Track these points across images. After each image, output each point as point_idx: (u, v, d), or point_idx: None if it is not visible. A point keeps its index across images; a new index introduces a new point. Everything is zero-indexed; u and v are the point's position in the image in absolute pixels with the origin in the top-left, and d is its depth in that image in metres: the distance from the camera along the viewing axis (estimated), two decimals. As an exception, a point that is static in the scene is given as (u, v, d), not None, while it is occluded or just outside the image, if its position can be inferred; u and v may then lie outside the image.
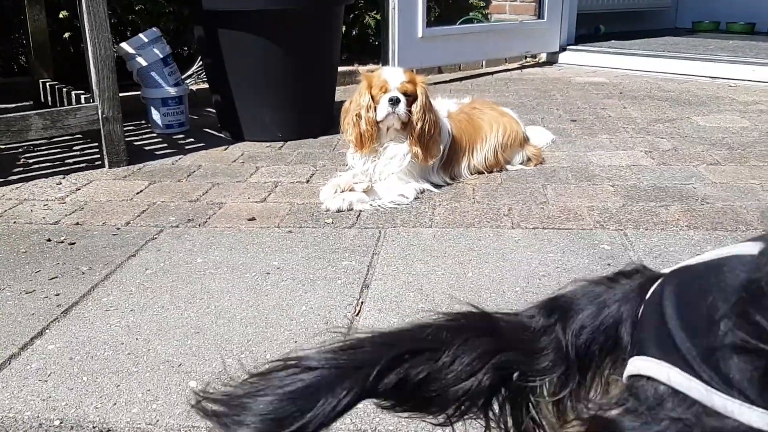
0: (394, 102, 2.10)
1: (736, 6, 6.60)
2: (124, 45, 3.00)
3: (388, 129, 2.17)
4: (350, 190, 2.10)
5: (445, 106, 2.41)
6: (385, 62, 4.04)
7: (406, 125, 2.15)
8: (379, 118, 2.13)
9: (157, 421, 1.10)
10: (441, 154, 2.28)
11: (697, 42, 5.48)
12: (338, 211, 2.04)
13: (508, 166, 2.49)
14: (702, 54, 4.67)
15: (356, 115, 2.15)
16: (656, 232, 1.84)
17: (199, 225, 1.96)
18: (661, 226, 1.89)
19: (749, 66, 4.30)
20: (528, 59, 5.20)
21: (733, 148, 2.69)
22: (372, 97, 2.15)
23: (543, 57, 5.19)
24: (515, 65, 5.06)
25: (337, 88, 3.26)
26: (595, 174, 2.38)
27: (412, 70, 2.30)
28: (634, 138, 2.88)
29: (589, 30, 5.88)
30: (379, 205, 2.08)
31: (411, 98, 2.14)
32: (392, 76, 2.15)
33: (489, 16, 5.30)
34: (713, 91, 3.93)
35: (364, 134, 2.15)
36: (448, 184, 2.31)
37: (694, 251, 1.71)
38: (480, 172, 2.42)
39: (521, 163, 2.51)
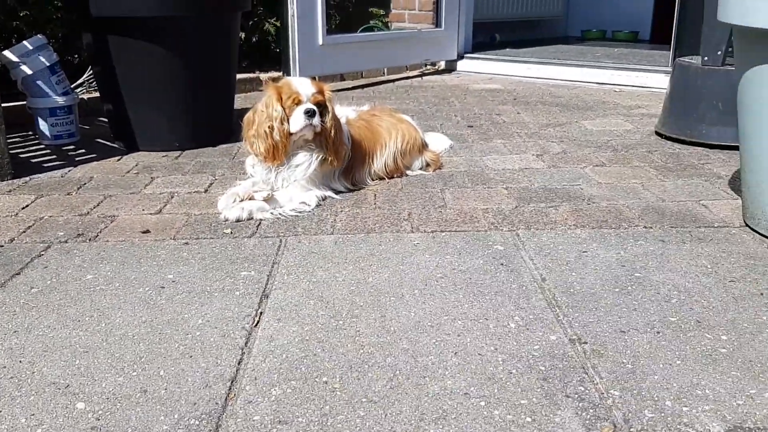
0: (311, 114, 2.09)
1: (621, 16, 7.01)
2: (6, 53, 2.84)
3: (298, 139, 2.16)
4: (250, 199, 2.08)
5: (344, 113, 2.43)
6: (286, 70, 4.02)
7: (316, 134, 2.15)
8: (293, 130, 2.11)
9: (42, 446, 1.05)
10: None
11: (585, 50, 5.77)
12: (237, 220, 2.01)
13: (408, 172, 2.53)
14: (590, 61, 4.92)
15: (269, 127, 2.09)
16: (546, 232, 1.93)
17: (90, 239, 1.88)
18: (551, 225, 1.98)
19: (633, 72, 4.57)
20: (428, 67, 5.31)
21: (617, 150, 2.85)
22: (284, 109, 2.11)
23: (442, 65, 5.31)
24: (416, 73, 5.16)
25: (237, 95, 3.21)
26: (490, 177, 2.46)
27: (315, 78, 2.30)
28: (527, 142, 3.00)
29: (486, 38, 6.07)
30: (280, 214, 2.07)
31: (321, 108, 2.14)
32: (303, 87, 2.13)
33: (389, 25, 5.38)
34: (600, 97, 4.14)
35: (277, 146, 2.11)
36: (350, 190, 2.33)
37: (581, 249, 1.80)
38: (381, 178, 2.45)
39: (421, 169, 2.57)
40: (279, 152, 2.12)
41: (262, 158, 2.15)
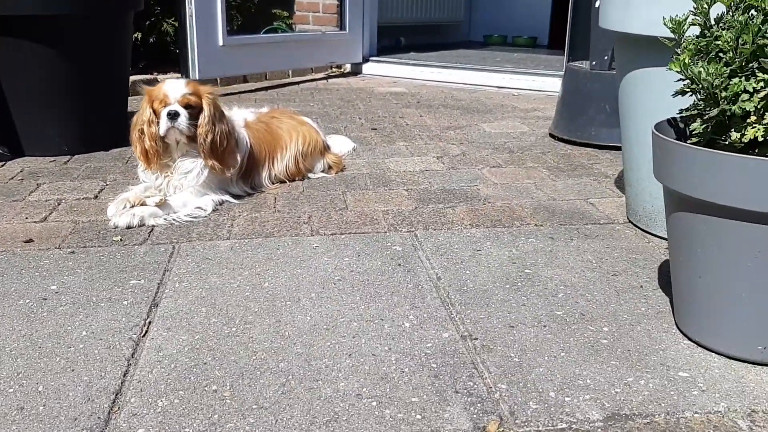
0: (173, 116, 2.03)
1: (521, 21, 7.25)
2: None
3: (177, 143, 2.11)
4: (141, 205, 2.01)
5: (242, 115, 2.39)
6: (185, 71, 3.92)
7: (196, 138, 2.10)
8: (161, 133, 2.06)
9: None
10: (240, 165, 2.25)
11: (487, 54, 5.93)
12: (128, 227, 1.94)
13: (310, 174, 2.52)
14: (490, 66, 5.07)
15: (139, 130, 2.08)
16: (443, 232, 1.97)
17: (-35, 251, 1.76)
18: (448, 225, 2.02)
19: (530, 76, 4.73)
20: (333, 69, 5.31)
21: (513, 151, 2.95)
22: (153, 111, 2.07)
23: (348, 67, 5.33)
24: (321, 75, 5.15)
25: (132, 97, 3.10)
26: (392, 179, 2.49)
27: (196, 81, 2.27)
28: (428, 144, 3.05)
29: (391, 42, 6.14)
30: (174, 219, 2.01)
31: (196, 110, 2.08)
32: (172, 89, 2.08)
33: (293, 27, 5.34)
34: (499, 100, 4.27)
35: (149, 150, 2.08)
36: (249, 194, 2.29)
37: (475, 248, 1.85)
38: (282, 181, 2.43)
39: (323, 171, 2.56)
40: (153, 156, 2.10)
41: (141, 162, 2.14)
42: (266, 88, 4.52)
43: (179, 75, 4.07)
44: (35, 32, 2.53)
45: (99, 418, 1.11)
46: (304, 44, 4.88)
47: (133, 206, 1.99)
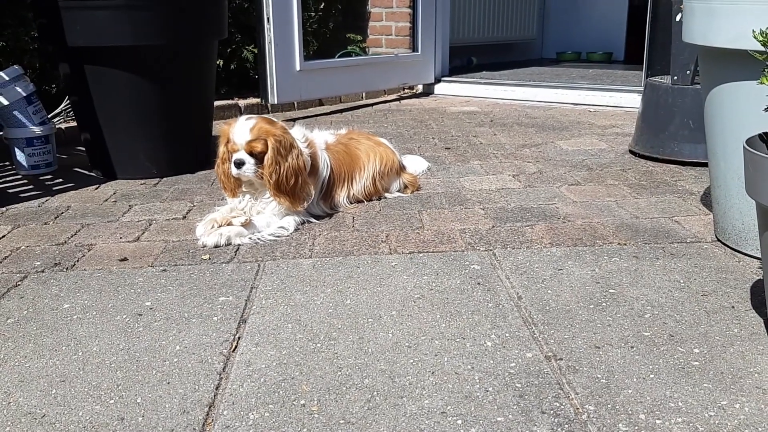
0: (238, 164, 2.11)
1: (595, 37, 7.14)
2: (-19, 84, 2.84)
3: (251, 182, 2.19)
4: (228, 225, 2.08)
5: (322, 137, 2.45)
6: (264, 96, 4.06)
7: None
8: (233, 175, 2.15)
9: (17, 478, 1.04)
10: (321, 186, 2.31)
11: (560, 71, 5.87)
12: (216, 246, 2.01)
13: (386, 194, 2.56)
14: (565, 83, 5.01)
15: (217, 165, 2.22)
16: (522, 251, 1.95)
17: (67, 269, 1.87)
18: (527, 244, 2.00)
19: (607, 92, 4.65)
20: (406, 90, 5.37)
21: (592, 168, 2.90)
22: (227, 149, 2.17)
23: (420, 88, 5.38)
24: (394, 96, 5.21)
25: (215, 122, 3.23)
26: (467, 198, 2.49)
27: (266, 118, 2.20)
28: (503, 163, 3.03)
29: (462, 61, 6.16)
30: (258, 239, 2.08)
31: (262, 154, 2.12)
32: (239, 134, 2.12)
33: (367, 50, 5.44)
34: (575, 117, 4.21)
35: (225, 183, 2.21)
36: (328, 214, 2.34)
37: (556, 267, 1.83)
38: (359, 201, 2.47)
39: (399, 191, 2.59)
40: (229, 188, 2.21)
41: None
42: (341, 111, 4.61)
43: (259, 100, 4.21)
44: (125, 62, 2.68)
45: (194, 429, 1.15)
46: (378, 67, 4.96)
47: (220, 226, 2.06)
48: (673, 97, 2.94)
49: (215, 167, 2.24)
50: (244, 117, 2.18)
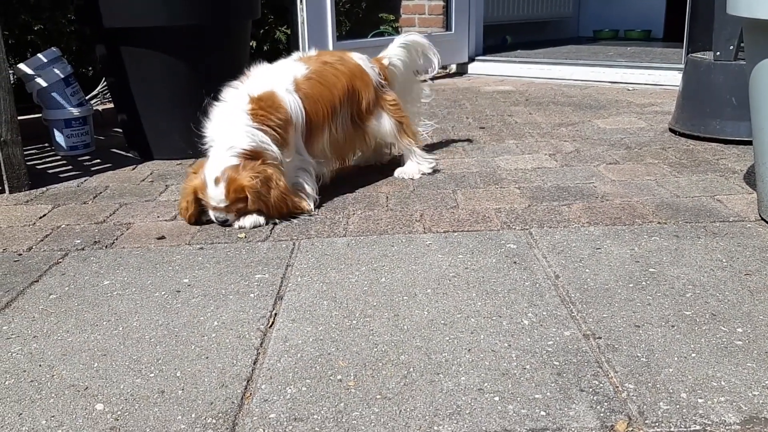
0: (224, 223, 2.03)
1: (633, 14, 6.97)
2: (21, 66, 2.89)
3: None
4: None
5: (287, 77, 2.19)
6: (298, 76, 4.04)
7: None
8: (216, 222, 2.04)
9: (62, 447, 1.07)
10: (302, 135, 2.17)
11: (597, 49, 5.75)
12: (254, 227, 2.02)
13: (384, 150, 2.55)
14: (602, 60, 4.91)
15: (180, 208, 2.09)
16: (559, 230, 1.92)
17: (106, 246, 1.90)
18: (564, 223, 1.97)
19: (646, 70, 4.54)
20: (439, 70, 5.31)
21: (630, 147, 2.84)
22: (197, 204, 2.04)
23: (453, 68, 5.32)
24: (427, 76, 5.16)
25: (248, 103, 3.24)
26: (503, 177, 2.46)
27: (232, 166, 1.98)
28: (539, 142, 2.99)
29: (497, 40, 6.07)
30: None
31: (243, 205, 2.00)
32: (216, 199, 1.98)
33: (399, 30, 5.39)
34: (613, 95, 4.13)
35: (191, 221, 2.06)
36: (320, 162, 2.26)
37: (594, 246, 1.80)
38: (343, 154, 2.41)
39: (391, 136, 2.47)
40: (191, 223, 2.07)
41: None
42: (374, 91, 4.58)
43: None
44: (160, 43, 2.70)
45: (233, 402, 1.16)
46: (411, 46, 4.91)
47: None
48: (716, 74, 2.86)
49: (180, 209, 2.08)
50: (207, 171, 2.00)
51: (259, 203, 2.00)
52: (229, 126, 2.06)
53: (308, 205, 2.14)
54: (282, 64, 2.31)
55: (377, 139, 2.49)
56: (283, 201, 2.04)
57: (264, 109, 2.07)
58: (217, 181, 1.98)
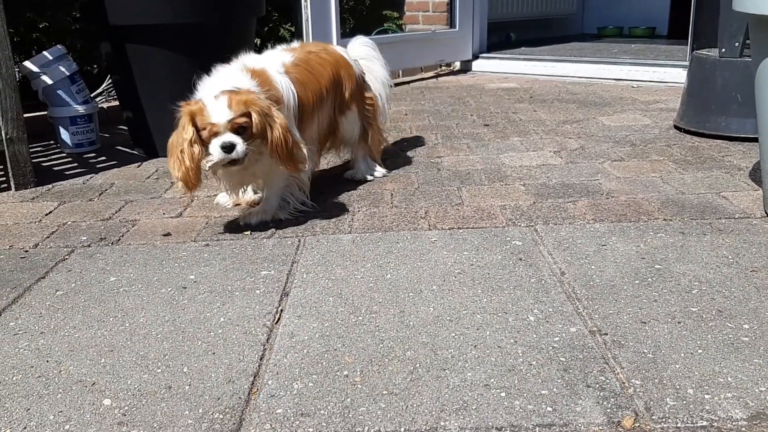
0: (229, 148, 1.80)
1: (638, 12, 6.95)
2: (27, 63, 2.90)
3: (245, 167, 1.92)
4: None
5: (276, 60, 2.11)
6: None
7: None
8: (216, 163, 1.84)
9: (70, 442, 1.07)
10: (295, 117, 2.06)
11: (602, 46, 5.74)
12: (260, 224, 2.03)
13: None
14: (606, 58, 4.90)
15: (177, 150, 1.85)
16: (564, 227, 1.92)
17: (112, 243, 1.91)
18: (569, 220, 1.97)
19: (650, 67, 4.53)
20: (443, 68, 5.31)
21: (635, 144, 2.84)
22: (197, 132, 1.84)
23: (457, 65, 5.32)
24: (431, 74, 5.16)
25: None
26: (507, 174, 2.46)
27: (235, 90, 1.86)
28: (544, 139, 2.99)
29: (501, 38, 6.06)
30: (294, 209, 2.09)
31: (247, 131, 1.83)
32: (218, 114, 1.80)
33: (403, 27, 5.39)
34: (617, 92, 4.12)
35: (189, 174, 1.83)
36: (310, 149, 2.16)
37: (600, 242, 1.80)
38: (324, 143, 2.36)
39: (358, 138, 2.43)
40: (191, 181, 1.85)
41: (180, 187, 1.88)
42: (378, 88, 4.58)
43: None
44: (165, 40, 2.70)
45: (240, 398, 1.17)
46: (414, 44, 4.91)
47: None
48: (721, 71, 2.85)
49: (172, 156, 1.86)
50: (208, 94, 1.86)
51: (264, 125, 1.83)
52: (225, 79, 1.94)
53: (304, 166, 1.99)
54: (268, 53, 2.26)
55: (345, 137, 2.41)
56: (284, 137, 1.86)
57: (259, 84, 1.94)
58: (216, 98, 1.81)
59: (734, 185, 2.24)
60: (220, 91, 1.85)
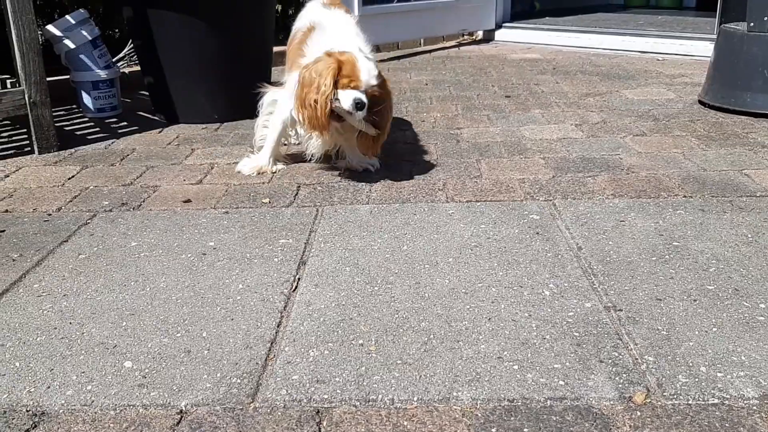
0: (360, 106, 1.91)
1: (666, -18, 6.80)
2: (49, 27, 2.91)
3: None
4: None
5: (354, 43, 2.09)
6: (323, 42, 4.02)
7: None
8: (346, 110, 1.93)
9: (92, 401, 1.11)
10: None
11: (627, 18, 5.63)
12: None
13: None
14: (632, 29, 4.81)
15: (310, 92, 1.93)
16: (583, 201, 1.92)
17: (133, 208, 1.94)
18: (588, 195, 1.96)
19: (677, 40, 4.45)
20: (465, 37, 5.25)
21: (658, 119, 2.80)
22: (341, 83, 1.93)
23: (480, 34, 5.25)
24: (453, 43, 5.11)
25: (273, 68, 3.23)
26: (527, 148, 2.45)
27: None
28: (566, 112, 2.96)
29: (525, 7, 5.97)
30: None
31: (377, 102, 1.97)
32: (367, 74, 1.92)
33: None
34: (642, 65, 4.06)
35: (318, 116, 1.93)
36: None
37: (618, 218, 1.79)
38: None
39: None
40: (320, 125, 1.95)
41: (306, 125, 2.00)
42: (398, 57, 4.55)
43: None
44: (190, 6, 2.69)
45: (257, 363, 1.19)
46: (437, 12, 4.85)
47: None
48: (748, 45, 2.79)
49: (302, 96, 1.94)
50: (356, 53, 1.97)
51: (390, 101, 2.06)
52: (345, 30, 2.17)
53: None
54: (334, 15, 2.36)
55: None
56: (388, 128, 2.10)
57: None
58: (369, 62, 1.96)
59: (757, 162, 2.21)
60: (363, 55, 1.99)
